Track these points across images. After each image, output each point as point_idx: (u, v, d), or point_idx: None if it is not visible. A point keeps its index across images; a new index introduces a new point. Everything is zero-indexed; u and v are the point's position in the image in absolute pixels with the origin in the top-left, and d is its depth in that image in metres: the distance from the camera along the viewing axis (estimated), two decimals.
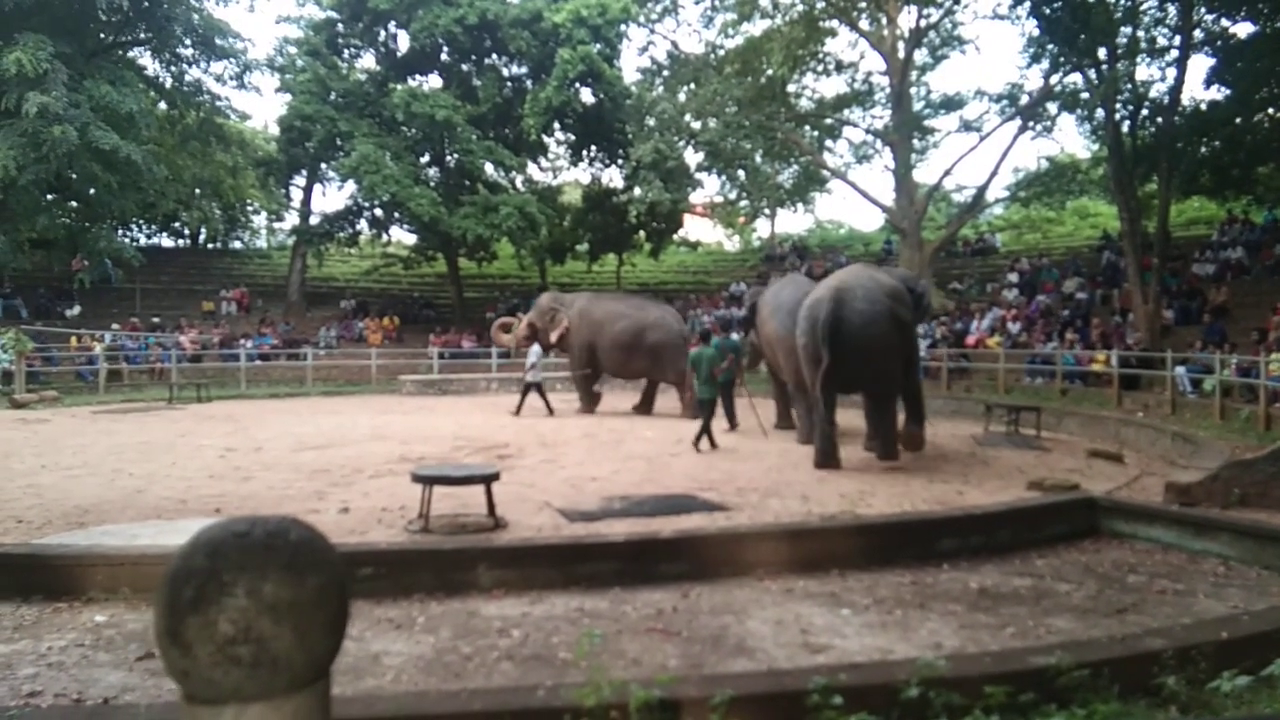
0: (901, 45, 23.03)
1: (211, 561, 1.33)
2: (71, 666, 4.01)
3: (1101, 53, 16.90)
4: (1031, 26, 18.41)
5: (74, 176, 22.55)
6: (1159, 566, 5.71)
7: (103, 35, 25.35)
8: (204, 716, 1.33)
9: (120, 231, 27.87)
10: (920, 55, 24.68)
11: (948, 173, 24.24)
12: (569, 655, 4.06)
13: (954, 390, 18.06)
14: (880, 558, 5.64)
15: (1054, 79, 19.94)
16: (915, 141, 25.21)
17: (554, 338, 16.61)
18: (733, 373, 12.68)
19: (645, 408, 16.52)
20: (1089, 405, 14.84)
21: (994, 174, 23.17)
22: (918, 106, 25.13)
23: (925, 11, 22.45)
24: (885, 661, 3.87)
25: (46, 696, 3.64)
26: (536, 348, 16.53)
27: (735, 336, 15.46)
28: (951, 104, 24.75)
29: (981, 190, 23.60)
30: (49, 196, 23.61)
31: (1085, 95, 18.49)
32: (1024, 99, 21.57)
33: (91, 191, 22.99)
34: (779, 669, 3.81)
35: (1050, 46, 18.28)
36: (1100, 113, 17.71)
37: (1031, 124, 21.95)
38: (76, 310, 24.83)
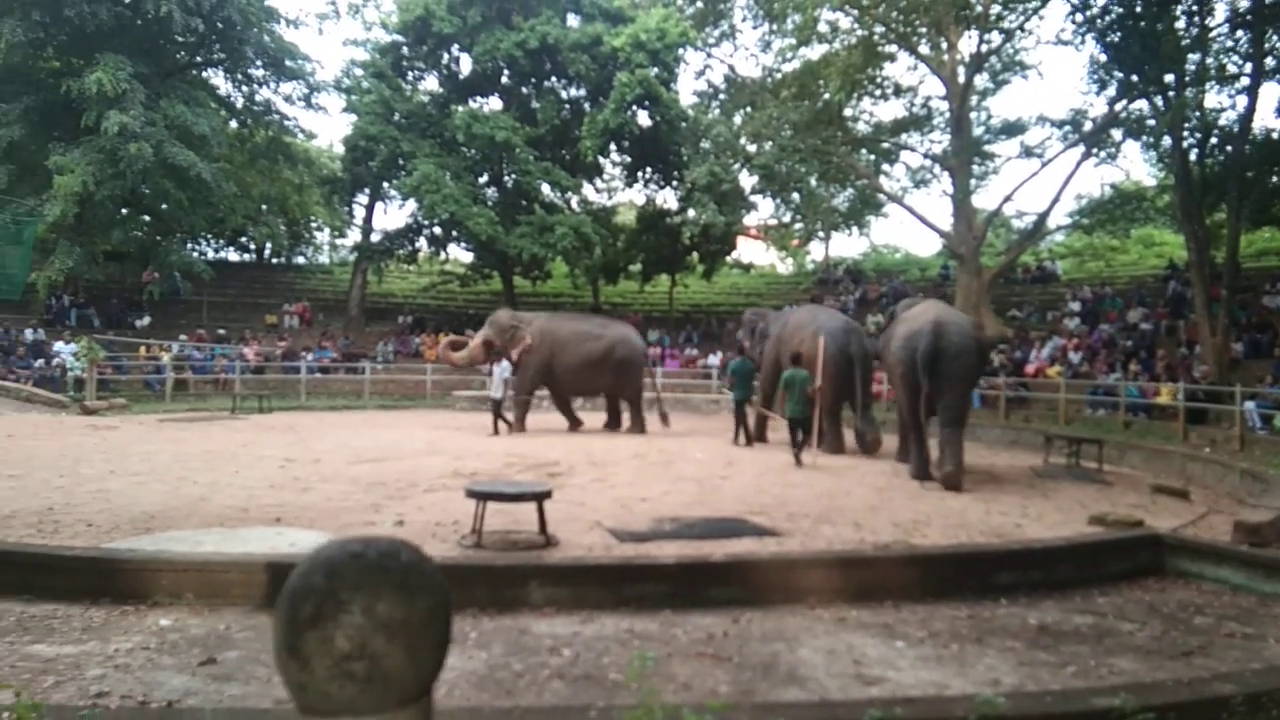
0: (962, 70, 22.82)
1: (329, 580, 1.38)
2: (137, 669, 4.10)
3: (1169, 79, 16.56)
4: (1096, 52, 18.09)
5: (148, 192, 23.43)
6: (1227, 608, 5.52)
7: (179, 56, 26.36)
8: None
9: (190, 246, 28.80)
10: (981, 80, 24.43)
11: (1008, 198, 23.88)
12: (619, 676, 4.06)
13: (1012, 420, 17.69)
14: (936, 590, 5.54)
15: (1119, 105, 19.57)
16: (975, 167, 24.91)
17: (515, 355, 16.13)
18: (744, 393, 14.65)
19: (615, 424, 16.97)
20: (1154, 439, 14.42)
21: (1056, 200, 22.62)
22: (978, 131, 24.87)
23: (987, 37, 22.22)
24: (942, 696, 3.80)
25: (113, 698, 3.73)
26: (506, 365, 16.07)
27: (736, 359, 15.74)
28: (1012, 129, 24.45)
29: (1043, 217, 23.20)
30: (124, 211, 24.59)
31: (1151, 122, 18.11)
32: (1087, 125, 21.20)
33: (164, 207, 23.87)
34: (832, 700, 3.77)
35: (1116, 73, 17.95)
36: (1167, 140, 17.33)
37: (1095, 150, 21.53)
38: (146, 321, 25.66)
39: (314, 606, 1.35)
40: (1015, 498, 9.56)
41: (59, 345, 21.50)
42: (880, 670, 4.25)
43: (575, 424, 16.98)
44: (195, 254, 28.85)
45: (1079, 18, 17.45)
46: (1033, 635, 4.88)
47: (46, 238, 22.91)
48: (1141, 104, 18.61)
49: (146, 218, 25.96)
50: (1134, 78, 17.22)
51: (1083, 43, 18.35)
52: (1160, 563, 6.39)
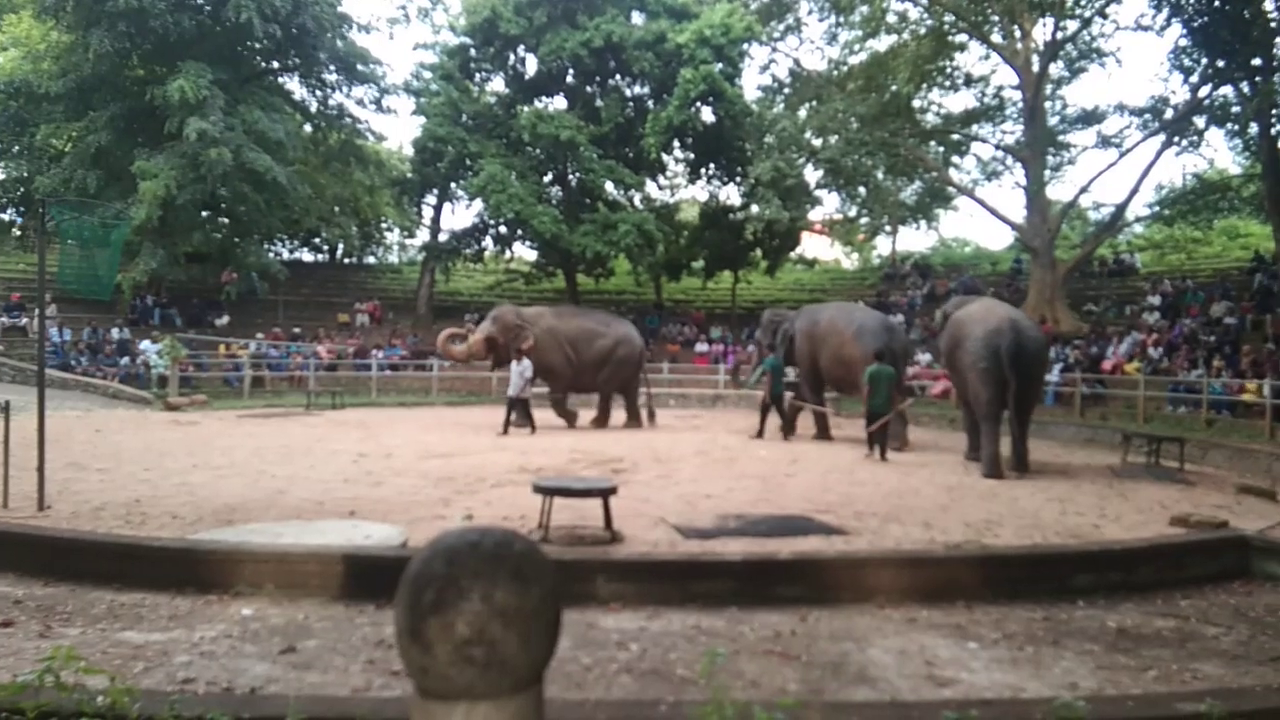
0: (1036, 58, 22.24)
1: (450, 568, 1.43)
2: (221, 656, 4.25)
3: (1256, 63, 15.87)
4: (1180, 37, 17.44)
5: (226, 195, 24.21)
6: None
7: (256, 62, 27.21)
8: (437, 712, 1.42)
9: (266, 247, 29.69)
10: (1056, 68, 23.79)
11: (1084, 189, 23.23)
12: (687, 672, 4.07)
13: (1088, 417, 17.17)
14: (1009, 591, 5.42)
15: (1203, 91, 18.83)
16: (1049, 157, 24.28)
17: (517, 354, 15.54)
18: (781, 388, 15.08)
19: (604, 421, 16.89)
20: (1238, 438, 13.85)
21: (1135, 191, 21.89)
22: (1052, 121, 24.22)
23: (1062, 24, 21.60)
24: (1018, 699, 3.72)
25: (199, 684, 3.86)
26: (528, 363, 15.29)
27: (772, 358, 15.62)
28: (1089, 118, 23.75)
29: (1121, 208, 22.49)
30: (204, 214, 25.44)
31: (1237, 108, 17.41)
32: (1169, 112, 20.46)
33: (242, 209, 24.62)
34: (905, 701, 3.72)
35: (1200, 57, 17.28)
36: (1254, 127, 16.63)
37: (1177, 139, 20.78)
38: (225, 320, 26.52)
39: (435, 593, 1.40)
40: (1092, 498, 9.29)
41: (144, 344, 22.38)
42: (953, 671, 4.18)
43: (572, 420, 16.59)
44: (271, 255, 29.72)
45: (1162, 1, 16.84)
46: (1112, 638, 4.75)
47: (131, 240, 23.87)
48: (1226, 90, 17.92)
49: (225, 220, 26.84)
50: (1220, 62, 16.55)
51: (1165, 27, 17.74)
52: (1246, 565, 6.15)
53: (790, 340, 15.69)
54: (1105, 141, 23.19)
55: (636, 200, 30.07)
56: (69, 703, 2.89)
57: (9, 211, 28.22)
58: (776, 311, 17.74)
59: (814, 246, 38.38)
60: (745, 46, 27.13)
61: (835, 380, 15.25)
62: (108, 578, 5.37)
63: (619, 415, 17.12)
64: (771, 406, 15.15)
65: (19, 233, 29.90)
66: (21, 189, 25.46)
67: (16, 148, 25.82)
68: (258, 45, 25.68)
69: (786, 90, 28.87)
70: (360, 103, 29.50)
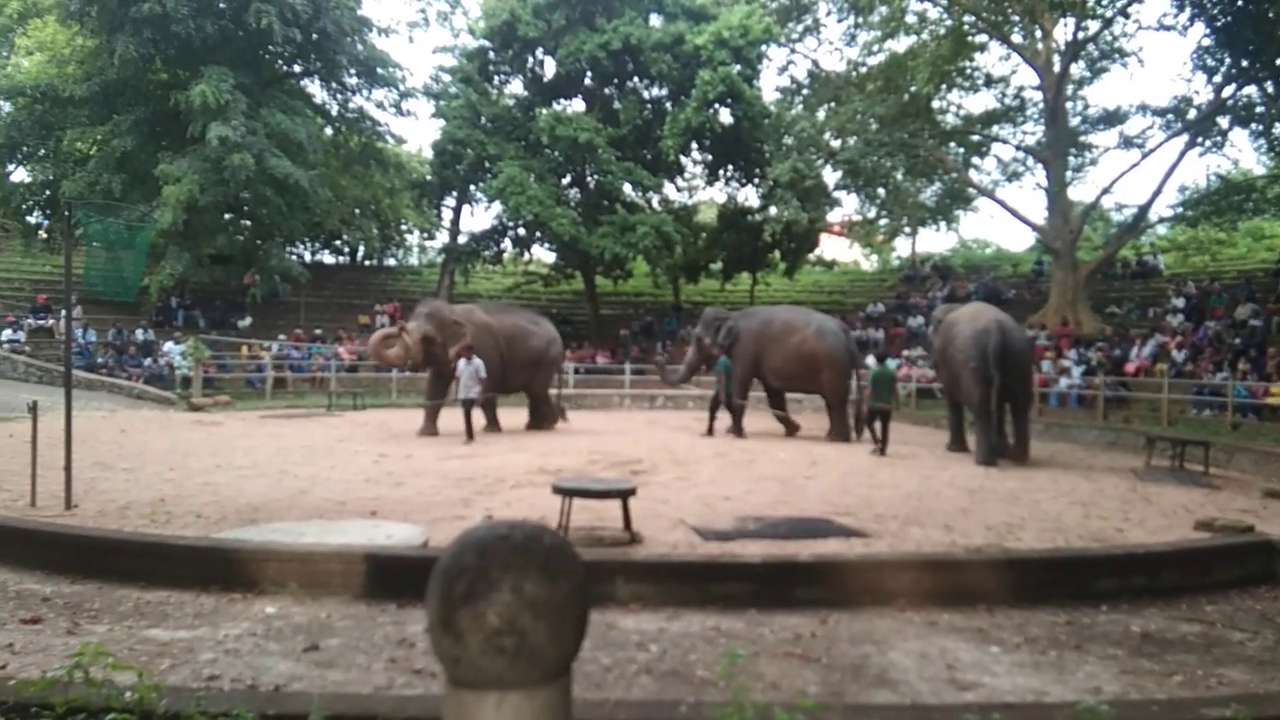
0: (1057, 59, 22.09)
1: (481, 559, 1.45)
2: (246, 654, 4.29)
3: None
4: (1203, 36, 17.26)
5: (249, 199, 24.43)
6: None
7: (278, 66, 27.46)
8: (469, 701, 1.45)
9: (288, 249, 29.95)
10: (1077, 69, 23.62)
11: (1106, 190, 23.17)
12: (706, 673, 4.07)
13: (1111, 420, 17.00)
14: (1032, 595, 5.38)
15: (1227, 91, 18.62)
16: (1071, 158, 24.07)
17: (454, 354, 14.43)
18: (732, 388, 15.47)
19: (538, 422, 16.53)
20: (1265, 441, 13.66)
21: (1158, 192, 21.75)
22: (1074, 122, 24.02)
23: (1083, 24, 21.43)
24: (1041, 704, 3.70)
25: (225, 681, 3.90)
26: (479, 362, 14.14)
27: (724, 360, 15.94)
28: (1111, 119, 23.53)
29: (1143, 209, 22.29)
30: (226, 217, 25.71)
31: (1261, 108, 17.20)
32: (1192, 113, 20.25)
33: (264, 212, 24.88)
34: (926, 704, 3.71)
35: (1224, 57, 17.09)
36: (1279, 127, 16.42)
37: (1201, 139, 20.56)
38: (248, 321, 26.77)
39: (467, 584, 1.42)
40: (1115, 501, 9.20)
41: (168, 345, 22.64)
42: (975, 675, 4.16)
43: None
44: (293, 257, 29.98)
45: (1184, 1, 16.68)
46: (1136, 643, 4.71)
47: (156, 243, 24.15)
48: (1250, 90, 17.69)
49: (247, 223, 27.12)
50: (1244, 62, 16.37)
51: (1188, 27, 17.56)
52: (1273, 570, 6.07)
53: (735, 339, 15.94)
54: (1128, 142, 22.99)
55: (655, 202, 30.12)
56: (98, 698, 2.93)
57: (36, 214, 28.61)
58: (717, 310, 17.86)
59: (833, 248, 38.28)
60: (763, 48, 27.11)
61: (789, 378, 15.95)
62: (134, 576, 5.43)
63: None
64: (722, 405, 15.60)
65: (46, 235, 30.32)
66: (48, 192, 25.81)
67: (42, 151, 26.18)
68: (279, 49, 25.92)
69: (805, 91, 28.81)
70: (380, 106, 29.73)
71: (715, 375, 16.05)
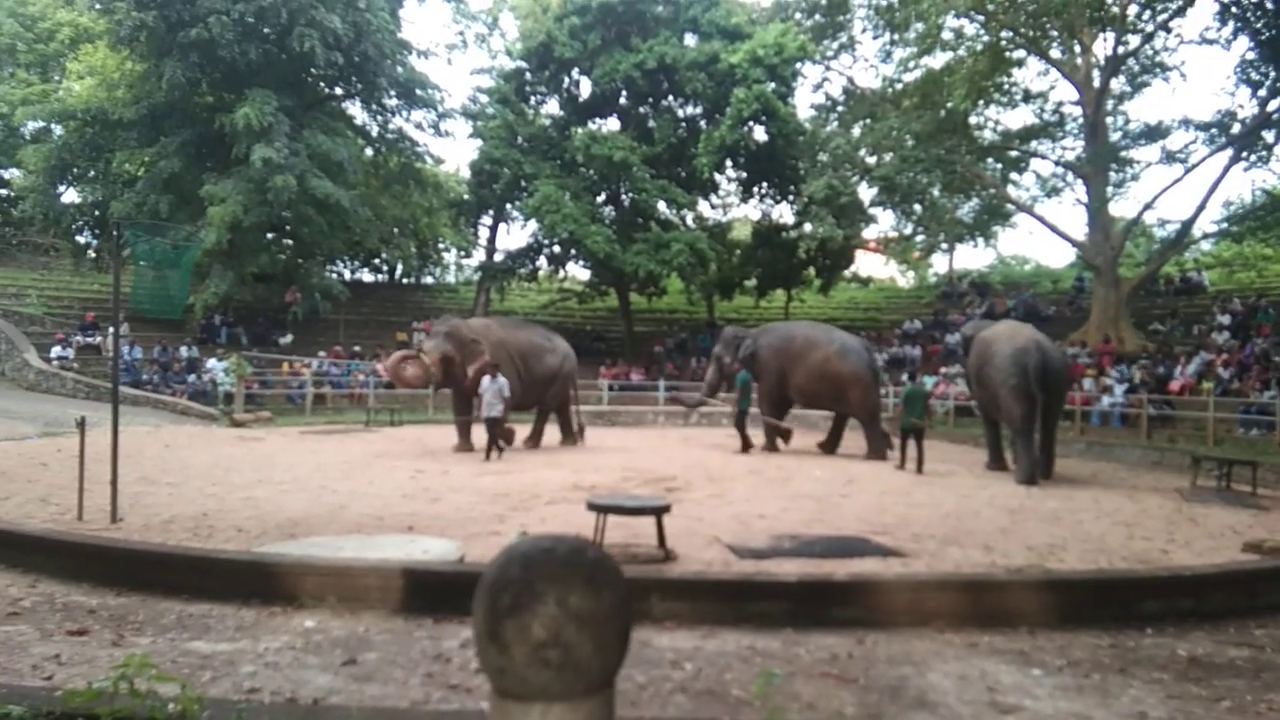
0: (1097, 74, 21.84)
1: (526, 573, 1.48)
2: (285, 667, 4.32)
3: None
4: (1245, 50, 16.99)
5: (290, 218, 24.89)
6: None
7: (320, 88, 28.04)
8: (514, 712, 1.47)
9: (328, 268, 30.44)
10: (1117, 83, 23.32)
11: (1148, 206, 22.68)
12: (742, 692, 4.04)
13: (1155, 440, 16.66)
14: (1074, 617, 5.27)
15: (1271, 105, 18.28)
16: (1111, 174, 23.77)
17: (472, 372, 14.42)
18: (748, 404, 15.66)
19: (538, 440, 16.32)
20: None
21: (1201, 207, 21.28)
22: (1114, 137, 23.73)
23: (1124, 39, 21.18)
24: None
25: (264, 693, 3.93)
26: (503, 381, 13.90)
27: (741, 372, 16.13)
28: (1153, 134, 23.21)
29: (1187, 225, 21.91)
30: (269, 236, 26.19)
31: None
32: (1236, 127, 19.89)
33: (305, 232, 25.34)
34: None
35: (1268, 71, 16.79)
36: None
37: (1245, 154, 20.18)
38: (289, 338, 27.18)
39: (512, 597, 1.44)
40: (1160, 522, 9.01)
41: (211, 362, 23.04)
42: (1016, 698, 4.08)
43: (510, 438, 15.21)
44: (333, 276, 30.46)
45: (1227, 14, 16.43)
46: (1182, 667, 4.59)
47: (201, 262, 24.68)
48: None
49: (289, 242, 27.62)
50: None
51: (1232, 40, 17.29)
52: None
53: (755, 356, 15.98)
54: (1170, 157, 22.64)
55: (689, 219, 30.21)
56: (142, 709, 2.99)
57: (85, 234, 29.40)
58: (736, 329, 17.86)
59: (868, 265, 38.06)
60: (798, 65, 27.16)
61: (811, 395, 15.98)
62: (177, 589, 5.51)
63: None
64: (743, 419, 15.71)
65: (94, 255, 31.13)
66: (97, 212, 26.50)
67: (92, 173, 26.94)
68: (321, 72, 26.47)
69: (840, 108, 28.78)
70: (419, 126, 30.20)
71: (734, 390, 16.14)
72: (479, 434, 14.49)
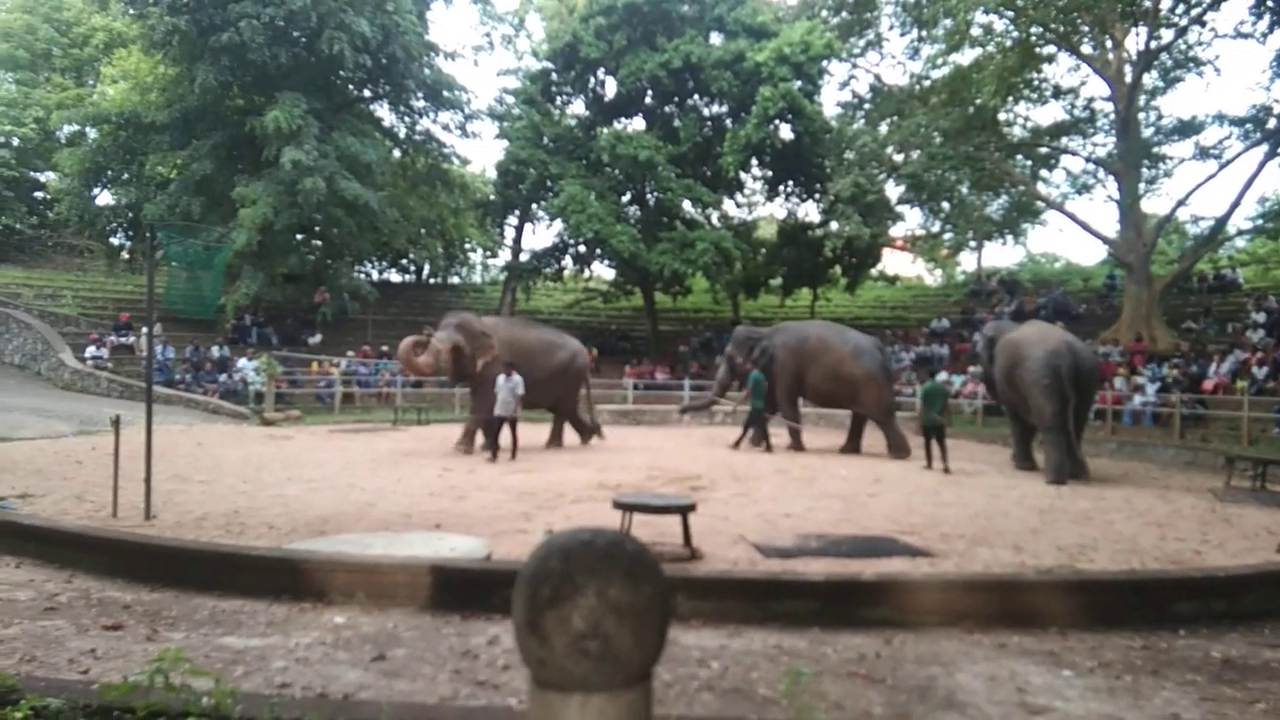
0: (1129, 69, 21.53)
1: (565, 565, 1.50)
2: (315, 663, 4.37)
3: None
4: None
5: (320, 220, 25.15)
6: None
7: (349, 90, 28.30)
8: (554, 702, 1.48)
9: (356, 268, 30.71)
10: (1150, 79, 22.98)
11: (1182, 203, 22.31)
12: (768, 691, 4.04)
13: (1188, 439, 16.40)
14: (1105, 618, 5.22)
15: None
16: (1144, 170, 23.43)
17: (480, 365, 14.27)
18: (760, 402, 15.69)
19: (559, 440, 16.17)
20: None
21: (1236, 204, 20.90)
22: (1147, 133, 23.39)
23: (1156, 33, 20.87)
24: None
25: (295, 689, 3.98)
26: (518, 379, 13.57)
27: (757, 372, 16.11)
28: (1186, 129, 22.87)
29: (1221, 222, 21.55)
30: (298, 237, 26.47)
31: None
32: (1272, 122, 19.54)
33: (334, 233, 25.61)
34: None
35: None
36: None
37: None
38: (318, 338, 27.44)
39: (552, 588, 1.46)
40: (1193, 523, 8.87)
41: (241, 361, 23.33)
42: (1046, 699, 4.05)
43: (469, 448, 14.77)
44: (361, 276, 30.72)
45: (1263, 7, 16.14)
46: (1216, 669, 4.53)
47: (232, 263, 25.01)
48: None
49: (318, 243, 27.92)
50: None
51: (1268, 34, 16.98)
52: None
53: (770, 357, 16.02)
54: (1204, 153, 22.30)
55: (714, 218, 30.14)
56: (176, 703, 3.04)
57: (119, 236, 29.86)
58: (750, 329, 17.83)
59: (895, 263, 37.82)
60: (825, 63, 27.02)
61: (825, 395, 16.25)
62: (209, 585, 5.59)
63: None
64: (759, 417, 15.86)
65: (128, 256, 31.62)
66: (131, 214, 26.91)
67: (126, 175, 27.37)
68: (349, 75, 26.71)
69: (867, 106, 28.60)
70: (446, 128, 30.42)
71: (746, 390, 16.19)
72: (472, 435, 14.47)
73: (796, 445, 15.99)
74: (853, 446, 15.93)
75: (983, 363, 15.58)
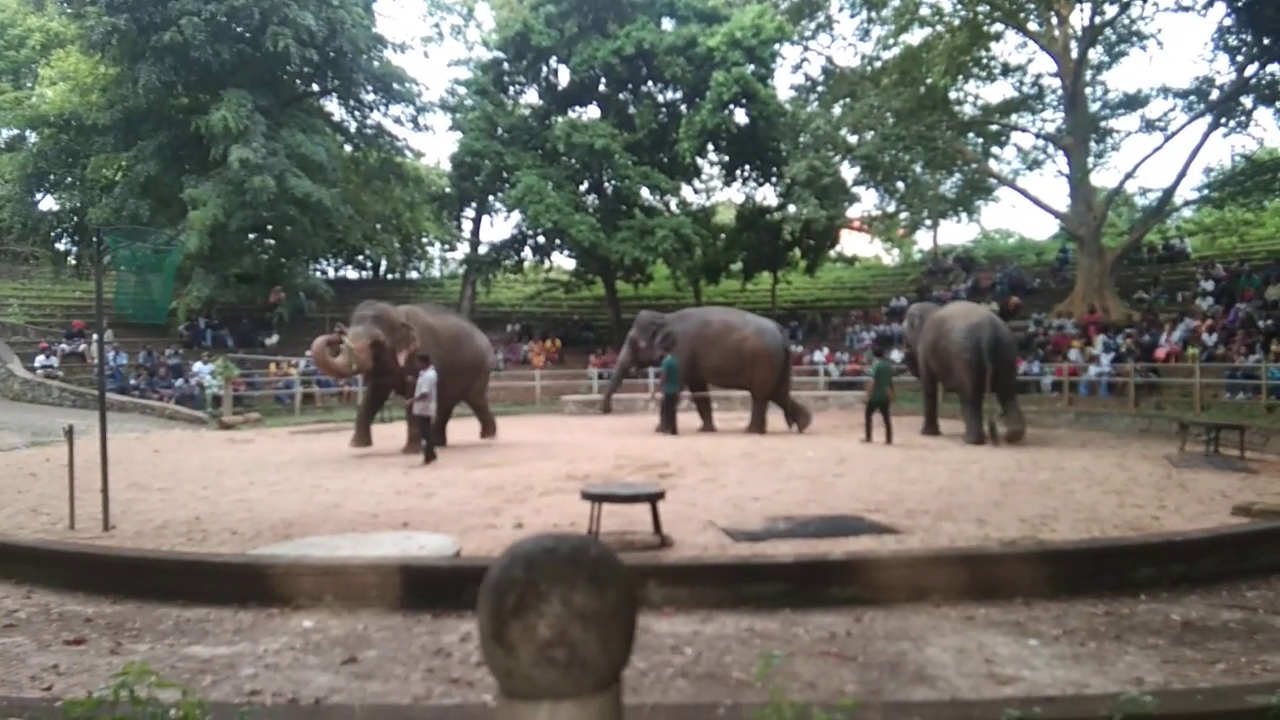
0: (1074, 44, 21.86)
1: (529, 573, 1.48)
2: (285, 668, 4.31)
3: None
4: (1222, 16, 17.04)
5: (272, 219, 24.72)
6: None
7: (296, 86, 27.80)
8: (522, 712, 1.47)
9: (312, 267, 30.25)
10: (1095, 54, 23.36)
11: (1130, 175, 22.76)
12: (743, 675, 4.06)
13: (1143, 407, 16.80)
14: (1069, 586, 5.32)
15: (1249, 70, 18.36)
16: (1092, 144, 23.83)
17: (403, 359, 13.21)
18: (675, 387, 16.31)
19: (491, 431, 15.81)
20: None
21: (1182, 175, 21.35)
22: (1094, 107, 23.79)
23: (1100, 8, 21.20)
24: (1083, 695, 3.66)
25: (266, 695, 3.92)
26: (432, 373, 12.52)
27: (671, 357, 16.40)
28: (1132, 103, 23.30)
29: (1168, 193, 22.01)
30: (251, 237, 26.00)
31: None
32: (1215, 93, 19.97)
33: (288, 231, 25.20)
34: (966, 699, 3.68)
35: (1245, 36, 16.86)
36: None
37: (1224, 119, 20.28)
38: (275, 339, 27.06)
39: (516, 597, 1.44)
40: (1150, 489, 9.09)
41: (197, 365, 22.91)
42: (1014, 669, 4.12)
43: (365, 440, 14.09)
44: (317, 274, 30.31)
45: None
46: (1177, 632, 4.64)
47: (183, 266, 24.50)
48: (1274, 68, 17.44)
49: (271, 242, 27.43)
50: (1266, 40, 16.14)
51: (1208, 7, 17.32)
52: None
53: (672, 341, 16.41)
54: (1149, 125, 22.75)
55: (673, 205, 30.15)
56: (143, 716, 2.97)
57: (64, 241, 29.12)
58: (654, 314, 17.98)
59: (853, 244, 38.06)
60: (776, 47, 27.08)
61: (726, 375, 16.84)
62: (173, 594, 5.48)
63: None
64: (671, 402, 16.46)
65: (75, 262, 30.85)
66: (76, 219, 26.26)
67: (69, 179, 26.67)
68: (296, 70, 26.23)
69: (820, 88, 28.74)
70: (398, 121, 30.03)
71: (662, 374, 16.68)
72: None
73: (668, 428, 16.36)
74: (759, 428, 16.42)
75: (908, 339, 16.69)
